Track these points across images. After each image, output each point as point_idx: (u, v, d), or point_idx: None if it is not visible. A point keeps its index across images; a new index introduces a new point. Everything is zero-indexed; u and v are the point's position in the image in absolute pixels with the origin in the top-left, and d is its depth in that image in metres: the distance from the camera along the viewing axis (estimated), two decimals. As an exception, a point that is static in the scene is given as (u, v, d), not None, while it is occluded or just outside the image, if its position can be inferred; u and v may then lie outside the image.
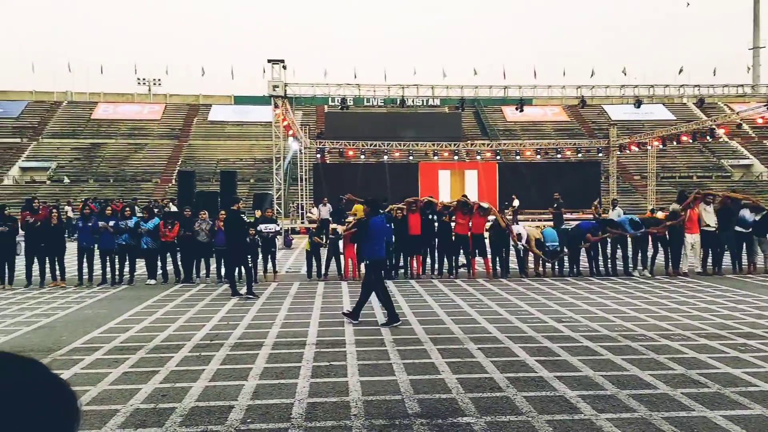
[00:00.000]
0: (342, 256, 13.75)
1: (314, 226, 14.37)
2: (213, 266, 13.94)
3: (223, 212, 13.11)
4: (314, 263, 13.67)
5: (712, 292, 11.46)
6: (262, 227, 13.63)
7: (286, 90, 26.19)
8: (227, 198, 19.22)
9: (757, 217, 13.99)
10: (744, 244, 14.20)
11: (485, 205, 14.19)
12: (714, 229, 13.85)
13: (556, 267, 14.06)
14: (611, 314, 9.29)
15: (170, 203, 24.93)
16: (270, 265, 13.86)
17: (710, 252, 14.01)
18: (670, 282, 12.80)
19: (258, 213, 18.37)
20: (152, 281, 13.38)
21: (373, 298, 8.97)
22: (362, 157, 39.47)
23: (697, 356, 6.77)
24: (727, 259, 14.43)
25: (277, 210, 24.43)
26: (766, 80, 58.32)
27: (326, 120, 53.78)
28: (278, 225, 15.34)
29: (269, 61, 26.03)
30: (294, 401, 5.40)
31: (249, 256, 12.07)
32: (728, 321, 8.72)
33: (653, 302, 10.34)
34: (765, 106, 30.25)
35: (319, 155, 37.23)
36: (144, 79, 65.98)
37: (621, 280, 13.18)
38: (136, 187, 46.39)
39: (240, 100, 64.26)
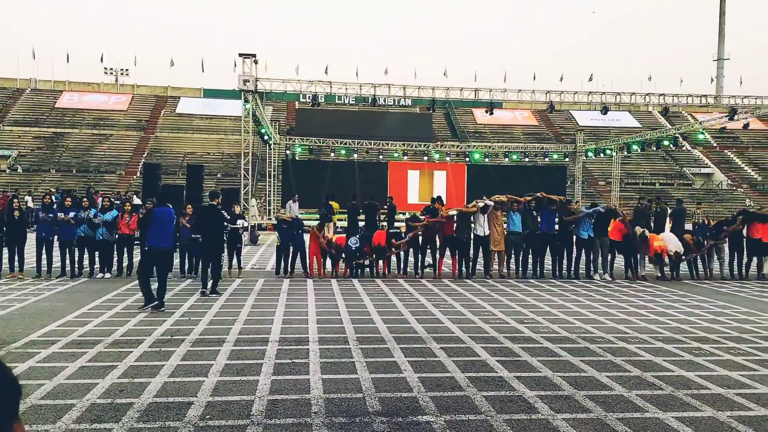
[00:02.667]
0: (307, 254, 13.72)
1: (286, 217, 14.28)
2: (176, 261, 13.74)
3: (189, 206, 12.92)
4: (283, 260, 13.61)
5: (669, 296, 11.73)
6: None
7: (257, 85, 25.99)
8: (192, 193, 19.02)
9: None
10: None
11: (453, 212, 14.23)
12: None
13: (520, 269, 14.24)
14: (571, 316, 9.45)
15: (134, 196, 24.52)
16: (235, 261, 13.73)
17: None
18: (630, 286, 13.08)
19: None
20: (107, 275, 13.11)
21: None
22: (332, 154, 39.38)
23: (653, 359, 6.93)
24: (684, 265, 14.80)
25: (244, 205, 24.24)
26: (729, 91, 59.85)
27: (297, 116, 53.58)
28: (245, 221, 15.19)
29: (240, 55, 25.82)
30: (254, 398, 5.37)
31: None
32: (684, 325, 8.95)
33: (612, 305, 10.56)
34: (727, 117, 31.11)
35: (288, 151, 37.04)
36: (111, 69, 64.80)
37: (582, 283, 13.41)
38: (100, 179, 45.50)
39: (209, 94, 63.52)
